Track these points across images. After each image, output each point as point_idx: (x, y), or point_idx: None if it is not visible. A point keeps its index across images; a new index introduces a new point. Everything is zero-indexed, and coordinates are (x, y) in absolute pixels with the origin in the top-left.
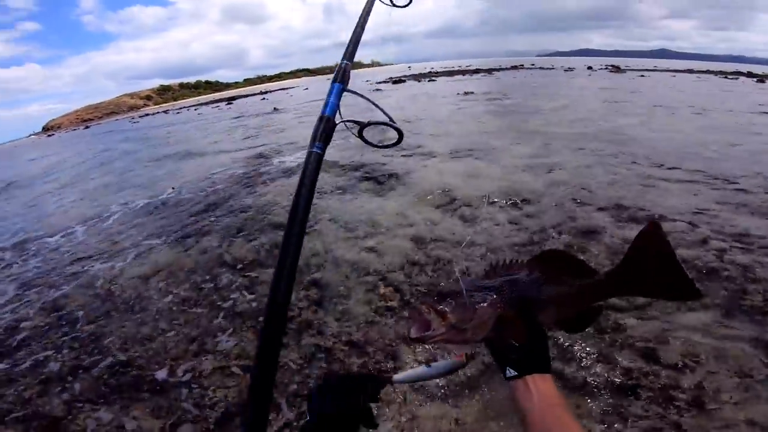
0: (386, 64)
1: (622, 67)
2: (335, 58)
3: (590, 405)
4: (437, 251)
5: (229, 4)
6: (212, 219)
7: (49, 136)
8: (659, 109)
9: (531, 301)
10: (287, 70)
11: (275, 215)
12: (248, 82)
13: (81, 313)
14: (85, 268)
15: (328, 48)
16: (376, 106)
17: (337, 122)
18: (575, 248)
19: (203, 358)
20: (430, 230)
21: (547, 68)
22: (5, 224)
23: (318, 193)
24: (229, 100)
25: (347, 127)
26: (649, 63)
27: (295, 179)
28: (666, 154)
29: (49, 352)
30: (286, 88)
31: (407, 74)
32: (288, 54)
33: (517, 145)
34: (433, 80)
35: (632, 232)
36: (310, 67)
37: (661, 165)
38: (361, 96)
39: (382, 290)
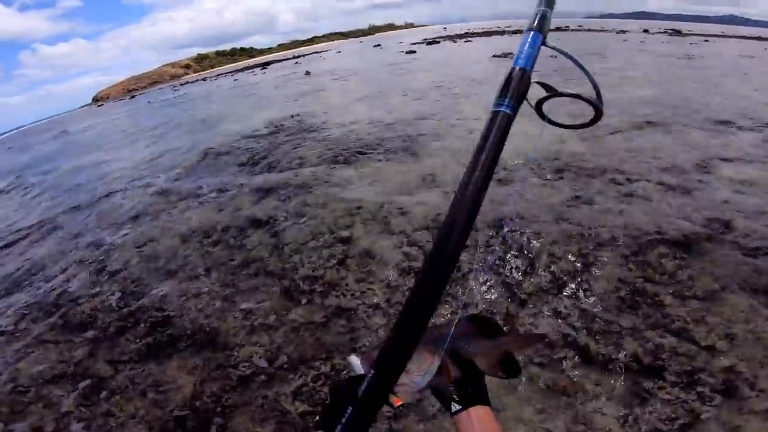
0: (420, 26)
1: (684, 31)
2: (368, 21)
3: (611, 382)
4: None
5: None
6: (245, 178)
7: (99, 106)
8: (724, 73)
9: (463, 349)
10: (319, 33)
11: (303, 175)
12: (282, 47)
13: (126, 272)
14: (131, 227)
15: (360, 10)
16: (585, 71)
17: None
18: (617, 211)
19: (232, 317)
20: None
21: (596, 30)
22: (69, 184)
23: (342, 155)
24: (264, 65)
25: (528, 102)
26: (715, 29)
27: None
28: (731, 114)
29: (98, 313)
30: (319, 52)
31: (442, 35)
32: (318, 17)
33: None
34: (470, 41)
35: (680, 198)
36: (342, 30)
37: (724, 124)
38: (567, 55)
39: (406, 249)
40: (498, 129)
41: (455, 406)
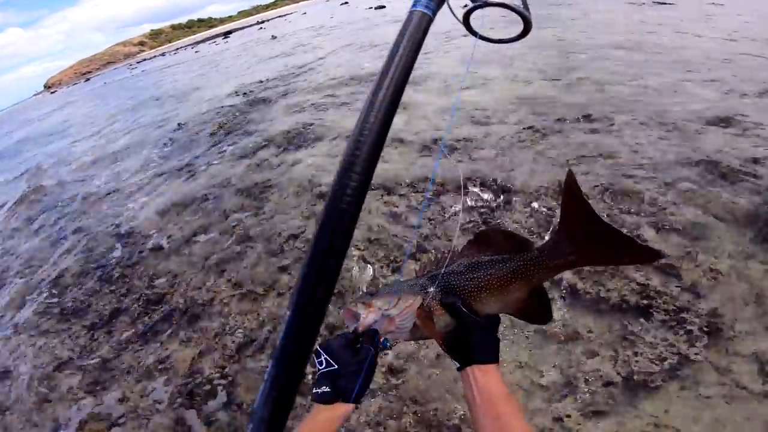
0: None
1: None
2: None
3: (598, 325)
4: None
5: None
6: (218, 148)
7: (52, 93)
8: (695, 18)
9: (459, 290)
10: None
11: (277, 138)
12: (243, 14)
13: (111, 255)
14: (110, 209)
15: None
16: None
17: None
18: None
19: (221, 287)
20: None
21: None
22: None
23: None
24: (225, 34)
25: (448, 5)
26: None
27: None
28: (697, 62)
29: (91, 299)
30: (284, 15)
31: None
32: None
33: (533, 54)
34: None
35: (658, 144)
36: None
37: (690, 71)
38: None
39: (386, 199)
40: (415, 29)
41: (455, 363)
